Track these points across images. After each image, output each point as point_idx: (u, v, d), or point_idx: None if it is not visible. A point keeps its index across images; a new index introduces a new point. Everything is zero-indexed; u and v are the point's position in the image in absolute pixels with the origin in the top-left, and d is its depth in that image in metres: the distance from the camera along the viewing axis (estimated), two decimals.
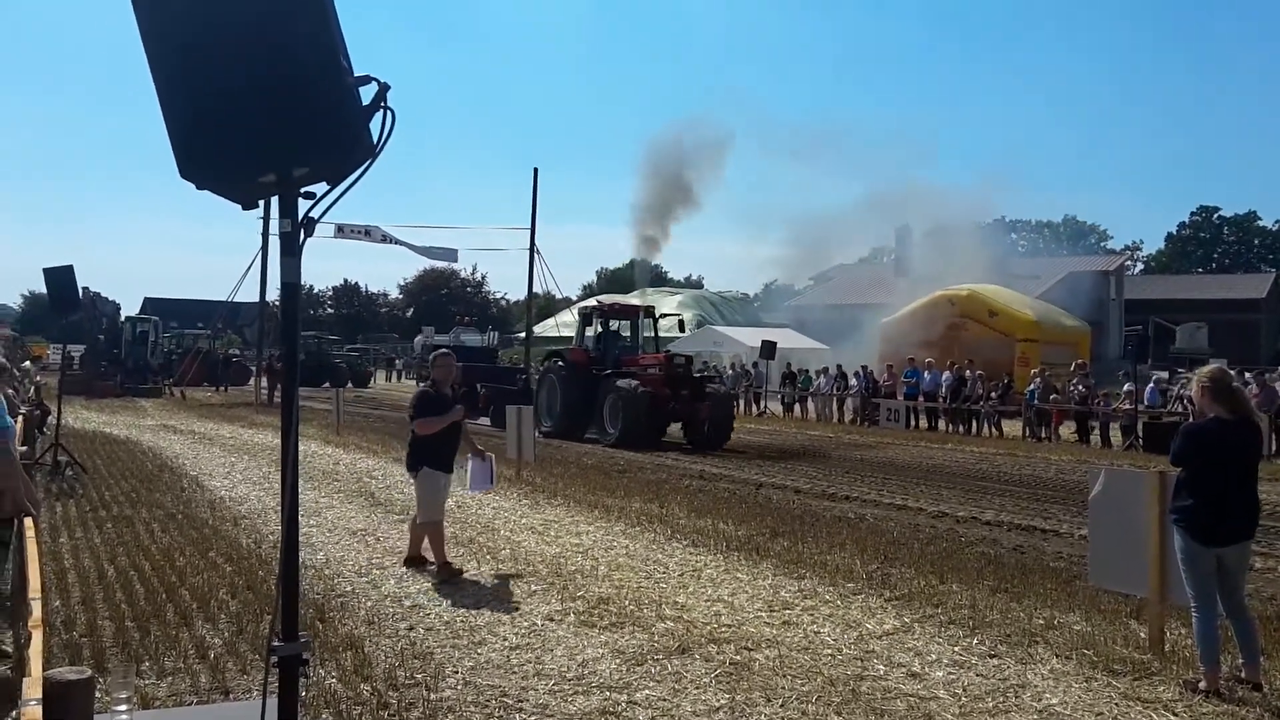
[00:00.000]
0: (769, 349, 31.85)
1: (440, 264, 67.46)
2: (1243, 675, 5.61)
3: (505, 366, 36.64)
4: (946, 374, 27.32)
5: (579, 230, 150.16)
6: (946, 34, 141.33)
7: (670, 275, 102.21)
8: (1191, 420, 6.43)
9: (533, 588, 7.73)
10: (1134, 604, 6.95)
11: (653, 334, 24.06)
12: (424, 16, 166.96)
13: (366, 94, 3.89)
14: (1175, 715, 5.22)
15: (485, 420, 24.08)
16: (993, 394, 26.48)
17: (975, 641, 6.51)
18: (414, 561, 8.46)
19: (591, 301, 24.00)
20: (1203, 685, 5.50)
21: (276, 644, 4.21)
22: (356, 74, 3.93)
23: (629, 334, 24.12)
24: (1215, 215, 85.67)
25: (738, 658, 6.09)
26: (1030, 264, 65.34)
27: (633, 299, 77.64)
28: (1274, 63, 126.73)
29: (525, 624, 6.77)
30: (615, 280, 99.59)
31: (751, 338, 40.58)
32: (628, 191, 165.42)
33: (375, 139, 3.92)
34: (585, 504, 11.94)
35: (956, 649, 6.35)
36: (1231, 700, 5.38)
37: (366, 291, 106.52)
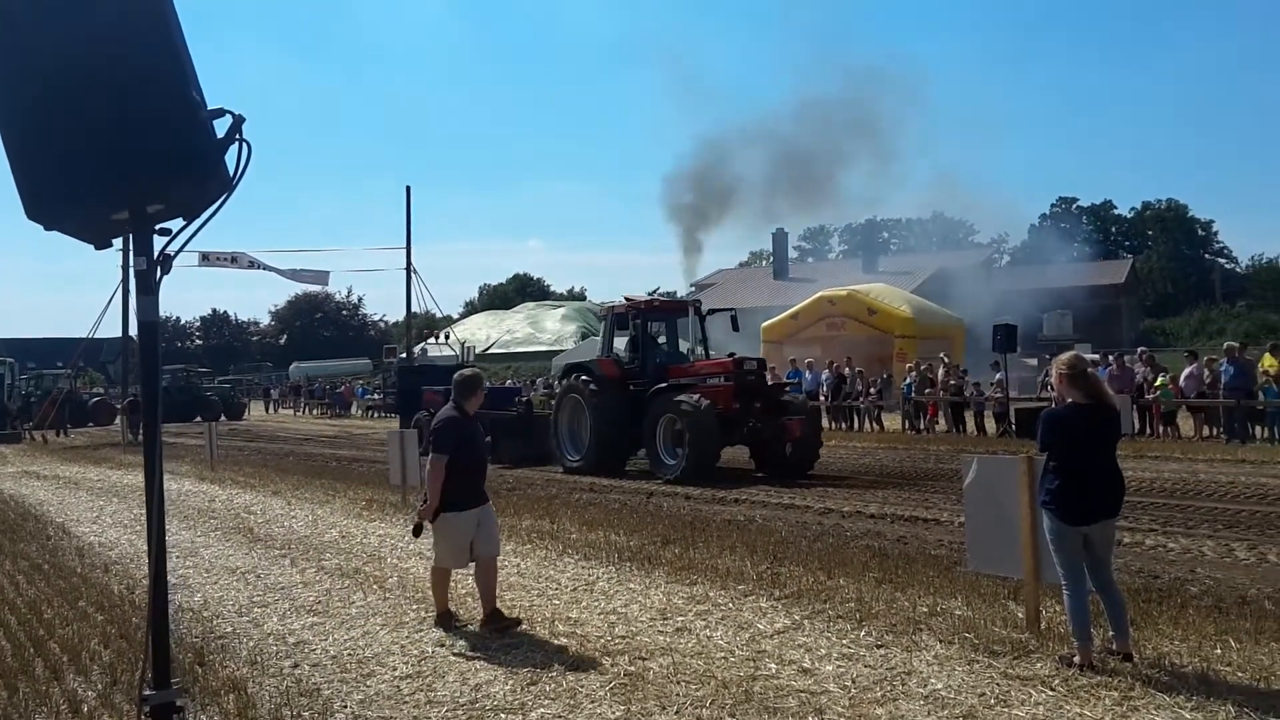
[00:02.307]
0: None
1: (312, 288, 66.04)
2: (1114, 648, 5.85)
3: (496, 386, 32.22)
4: (826, 373, 27.95)
5: (458, 247, 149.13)
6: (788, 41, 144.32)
7: (553, 288, 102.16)
8: (1053, 406, 6.67)
9: (422, 614, 7.58)
10: (1011, 586, 7.17)
11: (701, 336, 19.27)
12: (291, 35, 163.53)
13: (221, 127, 3.80)
14: (1052, 690, 5.41)
15: None
16: (872, 389, 27.17)
17: (863, 633, 6.65)
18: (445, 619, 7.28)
19: (619, 300, 19.77)
20: (1077, 660, 5.71)
21: (148, 693, 4.06)
22: (211, 107, 3.83)
23: (664, 338, 19.60)
24: (1074, 205, 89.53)
25: (632, 668, 6.08)
26: (902, 260, 67.40)
27: (518, 314, 77.34)
28: (1122, 59, 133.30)
29: (415, 652, 6.64)
30: (497, 295, 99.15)
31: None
32: (507, 205, 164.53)
33: (231, 172, 3.83)
34: None
35: (845, 642, 6.48)
36: (1104, 672, 5.60)
37: (236, 320, 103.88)
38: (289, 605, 8.12)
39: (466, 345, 43.36)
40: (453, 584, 7.62)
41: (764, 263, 75.12)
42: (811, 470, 16.68)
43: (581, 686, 5.80)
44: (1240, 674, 5.57)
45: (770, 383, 18.37)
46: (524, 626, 7.08)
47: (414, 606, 7.84)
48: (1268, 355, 20.96)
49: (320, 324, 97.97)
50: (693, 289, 66.23)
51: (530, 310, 79.29)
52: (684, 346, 19.62)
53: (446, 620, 7.23)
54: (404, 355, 41.31)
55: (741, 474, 16.93)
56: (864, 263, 64.72)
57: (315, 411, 54.38)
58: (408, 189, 39.35)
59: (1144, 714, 5.05)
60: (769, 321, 39.15)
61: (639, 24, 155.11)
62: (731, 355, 17.99)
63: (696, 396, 16.29)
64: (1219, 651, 5.98)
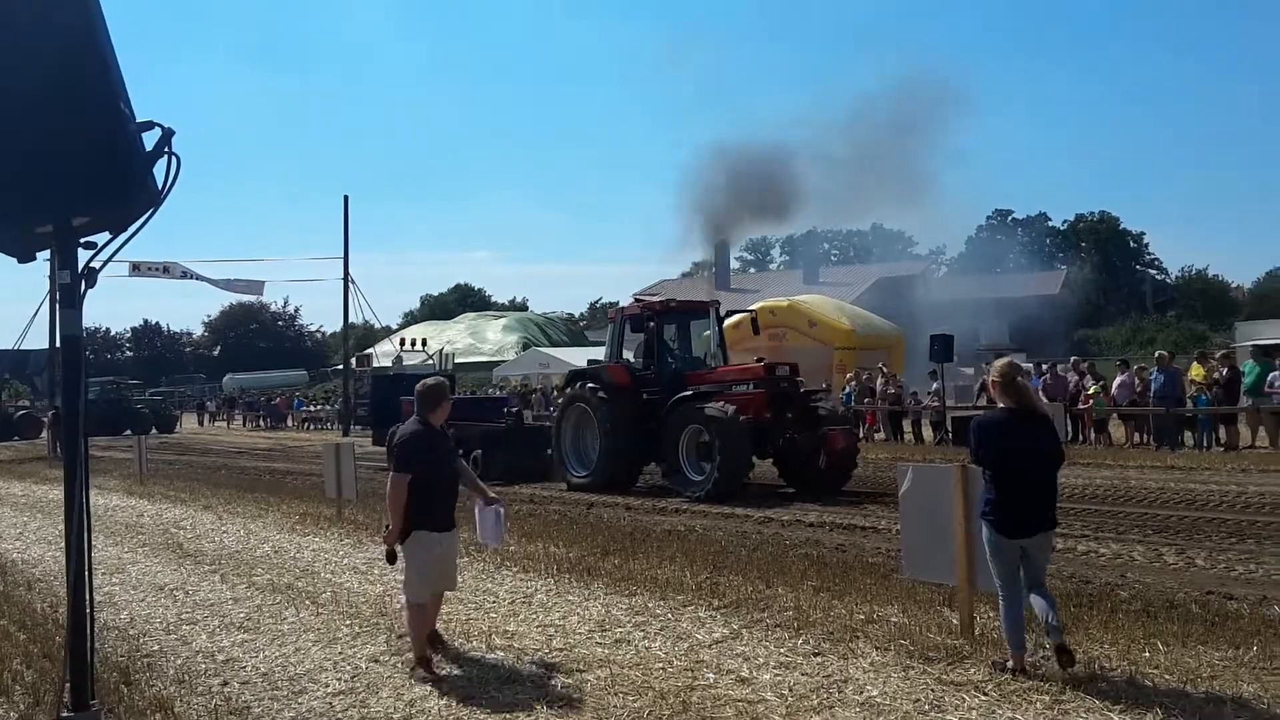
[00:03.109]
0: None
1: (246, 298, 65.14)
2: (1049, 647, 5.74)
3: (483, 397, 30.76)
4: None
5: (399, 257, 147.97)
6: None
7: (494, 299, 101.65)
8: (984, 413, 6.74)
9: (356, 630, 7.46)
10: (946, 592, 7.23)
11: (719, 340, 17.89)
12: (232, 44, 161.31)
13: (150, 140, 3.72)
14: (985, 695, 5.47)
15: None
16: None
17: (800, 642, 6.66)
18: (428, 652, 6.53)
19: (628, 300, 17.71)
20: (1010, 665, 5.76)
21: (66, 715, 3.95)
22: (141, 119, 3.75)
23: (676, 341, 17.95)
24: (1009, 217, 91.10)
25: (569, 681, 6.03)
26: (842, 272, 68.19)
27: (459, 324, 76.63)
28: (1055, 74, 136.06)
29: (349, 668, 6.52)
30: (438, 305, 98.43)
31: (577, 357, 40.74)
32: (448, 217, 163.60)
33: (160, 185, 3.74)
34: None
35: (782, 650, 6.48)
36: (1036, 677, 5.66)
37: (168, 331, 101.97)
38: (219, 622, 7.95)
39: (445, 352, 42.69)
40: (393, 603, 7.46)
41: (706, 273, 75.48)
42: (845, 485, 15.33)
43: (518, 700, 5.74)
44: (1168, 676, 5.67)
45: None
46: (456, 646, 6.77)
47: (347, 622, 7.71)
48: (1195, 364, 21.49)
49: (255, 335, 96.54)
50: (634, 300, 66.32)
51: (471, 320, 78.89)
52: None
53: (427, 665, 6.31)
54: (341, 366, 40.77)
55: (769, 490, 15.66)
56: (805, 274, 65.35)
57: (250, 424, 53.54)
58: (345, 198, 39.06)
59: (1074, 717, 5.11)
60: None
61: (591, 37, 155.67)
62: (760, 360, 16.72)
63: (725, 405, 14.93)
64: (1147, 655, 6.08)
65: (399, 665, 6.49)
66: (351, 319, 40.97)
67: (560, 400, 18.13)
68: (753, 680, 5.92)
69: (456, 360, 59.23)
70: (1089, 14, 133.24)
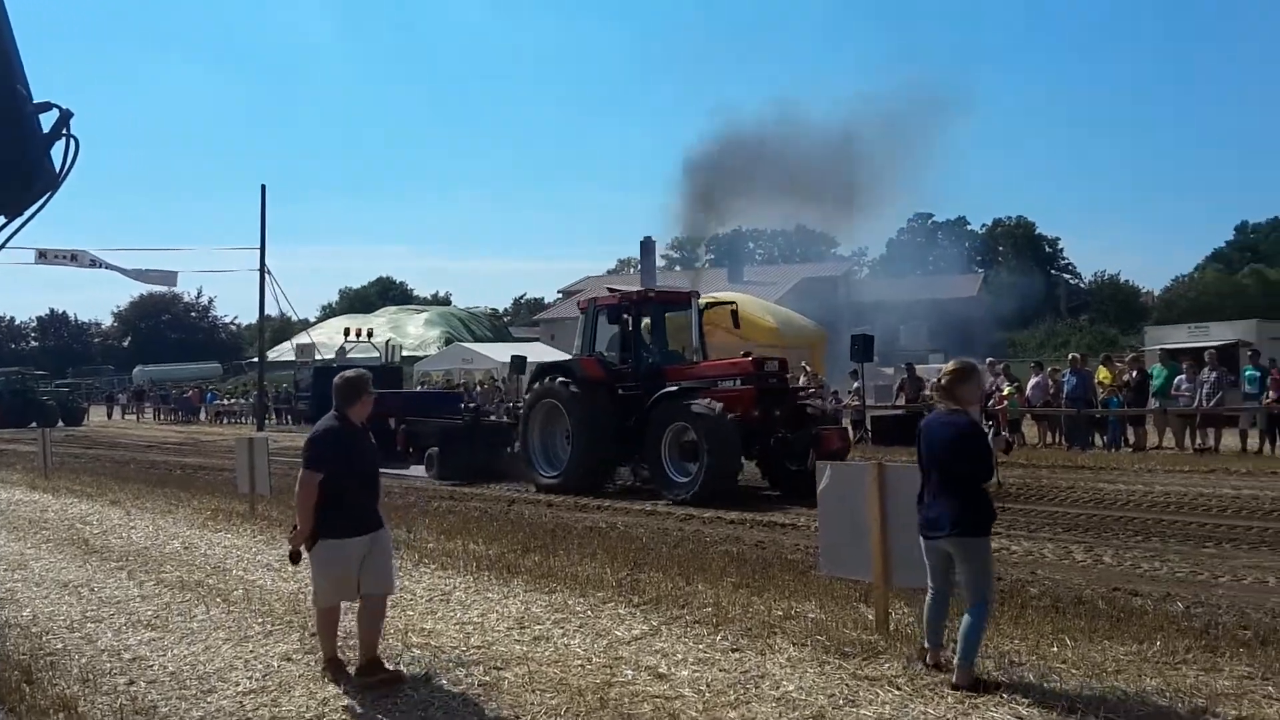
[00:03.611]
0: (519, 364, 31.70)
1: (158, 288, 63.49)
2: (955, 680, 5.52)
3: (438, 391, 29.97)
4: None
5: (316, 250, 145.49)
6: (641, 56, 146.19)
7: (416, 293, 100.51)
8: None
9: (269, 628, 7.31)
10: (862, 588, 7.30)
11: (698, 331, 16.89)
12: (151, 30, 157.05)
13: (48, 122, 3.59)
14: (898, 690, 5.54)
15: (418, 468, 18.46)
16: None
17: (719, 638, 6.68)
18: (333, 664, 6.11)
19: (603, 291, 16.99)
20: (927, 659, 5.84)
21: None
22: (37, 100, 3.61)
23: (653, 334, 16.90)
24: (930, 221, 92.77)
25: (486, 678, 5.98)
26: (767, 271, 68.88)
27: (379, 318, 75.62)
28: (980, 81, 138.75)
29: (260, 666, 6.38)
30: (358, 298, 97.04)
31: (501, 353, 40.54)
32: (364, 209, 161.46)
33: (58, 168, 3.61)
34: None
35: (701, 647, 6.50)
36: (949, 671, 5.73)
37: (76, 321, 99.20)
38: (125, 620, 7.73)
39: (391, 344, 41.91)
40: (306, 600, 7.32)
41: (631, 270, 75.60)
42: None
43: (434, 699, 5.67)
44: (1075, 671, 5.79)
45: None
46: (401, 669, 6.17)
47: (259, 620, 7.54)
48: (1101, 367, 22.10)
49: (167, 326, 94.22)
50: (560, 295, 66.12)
51: (392, 314, 77.82)
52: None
53: (337, 668, 6.05)
54: (256, 359, 39.99)
55: (751, 493, 14.88)
56: (729, 273, 65.82)
57: (161, 418, 52.29)
58: (263, 187, 38.20)
59: (984, 711, 5.20)
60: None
61: (517, 35, 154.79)
62: (747, 354, 15.37)
63: (712, 402, 14.05)
64: (1056, 650, 6.21)
65: (312, 664, 6.36)
66: (268, 311, 40.19)
67: (528, 394, 16.87)
68: (671, 676, 5.92)
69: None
70: (1004, 23, 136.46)
